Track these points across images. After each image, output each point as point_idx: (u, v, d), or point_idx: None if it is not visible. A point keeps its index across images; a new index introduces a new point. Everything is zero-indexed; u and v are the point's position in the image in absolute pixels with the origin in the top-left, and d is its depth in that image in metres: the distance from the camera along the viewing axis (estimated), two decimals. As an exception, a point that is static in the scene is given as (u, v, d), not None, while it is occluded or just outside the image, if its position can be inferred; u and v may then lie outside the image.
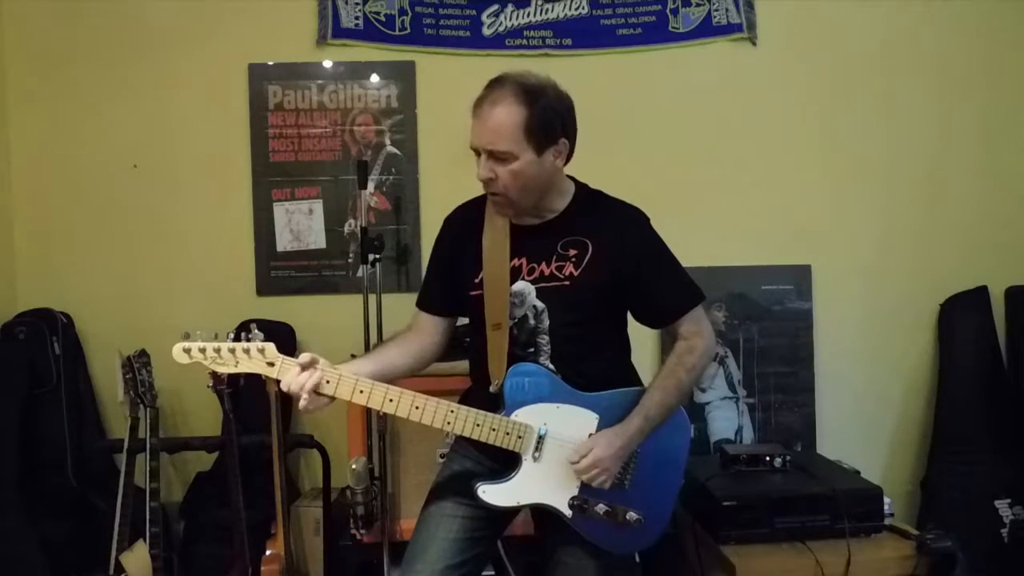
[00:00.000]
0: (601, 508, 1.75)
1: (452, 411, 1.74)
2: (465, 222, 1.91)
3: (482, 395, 1.82)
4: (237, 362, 1.68)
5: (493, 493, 1.76)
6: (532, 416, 1.76)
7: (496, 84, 1.75)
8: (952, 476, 3.00)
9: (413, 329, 1.96)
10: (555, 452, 1.76)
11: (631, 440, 1.75)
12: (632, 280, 1.82)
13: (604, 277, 1.80)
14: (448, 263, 1.94)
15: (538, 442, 1.76)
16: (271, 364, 1.69)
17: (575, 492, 1.76)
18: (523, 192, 1.77)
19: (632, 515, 1.76)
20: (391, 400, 1.71)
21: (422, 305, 1.98)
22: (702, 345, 1.84)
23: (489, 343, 1.82)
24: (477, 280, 1.85)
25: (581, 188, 1.91)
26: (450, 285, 1.92)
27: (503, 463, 1.80)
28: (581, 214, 1.86)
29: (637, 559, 1.98)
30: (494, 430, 1.74)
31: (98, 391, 2.98)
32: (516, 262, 1.83)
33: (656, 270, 1.85)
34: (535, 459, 1.76)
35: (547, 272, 1.81)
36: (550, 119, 1.74)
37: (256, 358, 1.69)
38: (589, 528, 1.78)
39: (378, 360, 1.84)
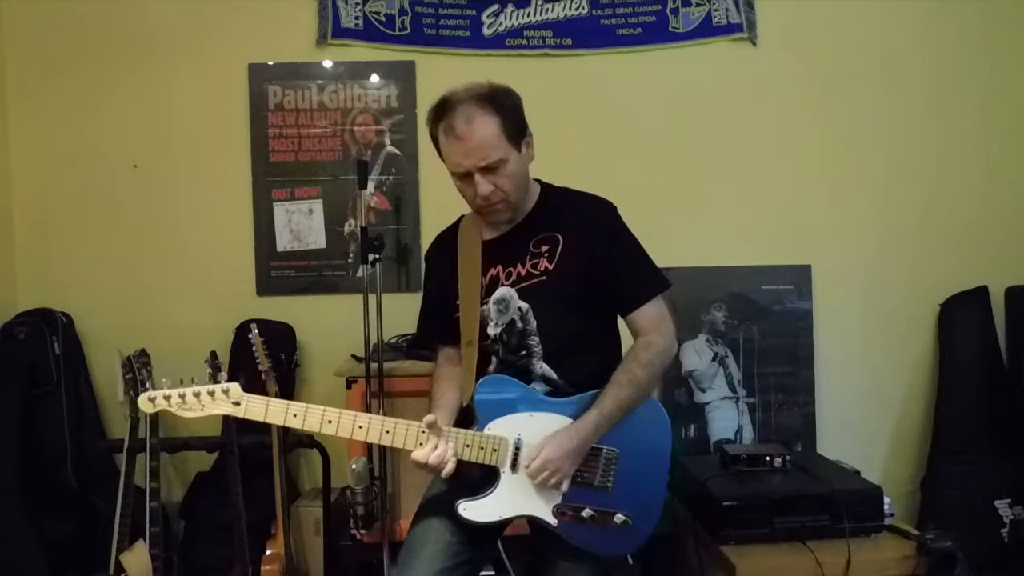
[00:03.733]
0: (587, 513, 1.73)
1: (423, 432, 1.71)
2: (442, 254, 1.97)
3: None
4: (203, 406, 1.69)
5: (474, 510, 1.72)
6: (505, 428, 1.75)
7: (452, 105, 1.77)
8: (952, 476, 2.99)
9: (447, 361, 1.96)
10: None
11: (585, 438, 1.73)
12: (602, 267, 1.83)
13: (578, 267, 1.82)
14: (437, 297, 1.98)
15: (515, 453, 1.74)
16: (237, 404, 1.69)
17: (558, 500, 1.74)
18: (518, 190, 1.83)
19: (619, 517, 1.73)
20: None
21: (441, 340, 1.99)
22: (661, 342, 1.82)
23: (463, 360, 1.85)
24: (457, 303, 1.88)
25: (546, 187, 1.95)
26: (445, 315, 1.93)
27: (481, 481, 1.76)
28: (548, 211, 1.89)
29: (631, 561, 1.95)
30: (468, 446, 1.72)
31: (98, 391, 2.98)
32: (493, 272, 1.86)
33: (621, 257, 1.86)
34: (514, 471, 1.74)
35: (523, 272, 1.84)
36: (516, 115, 1.81)
37: (220, 400, 1.68)
38: (577, 534, 1.75)
39: (452, 407, 1.84)
